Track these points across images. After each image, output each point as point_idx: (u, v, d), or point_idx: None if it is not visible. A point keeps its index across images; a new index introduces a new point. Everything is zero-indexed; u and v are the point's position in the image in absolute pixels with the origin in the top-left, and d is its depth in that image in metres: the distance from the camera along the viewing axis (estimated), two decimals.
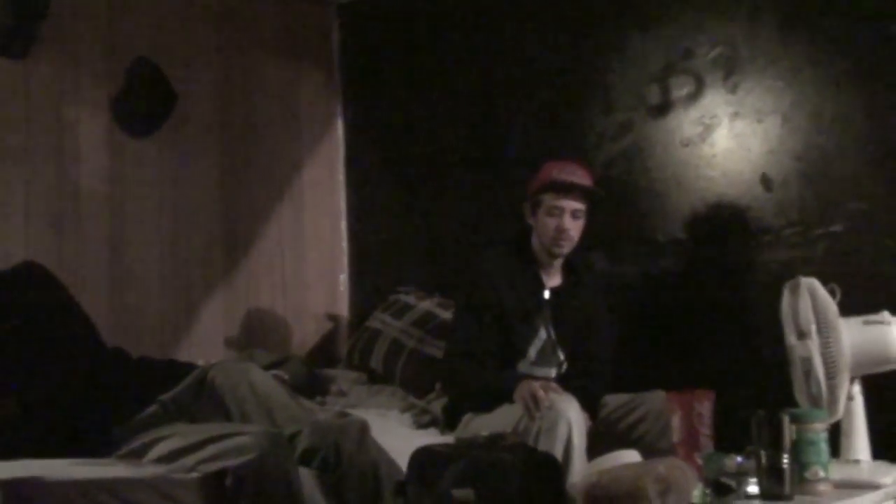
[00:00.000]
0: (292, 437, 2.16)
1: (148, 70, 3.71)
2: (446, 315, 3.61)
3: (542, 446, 2.33)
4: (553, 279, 2.91)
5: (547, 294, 2.88)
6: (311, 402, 3.26)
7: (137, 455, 2.17)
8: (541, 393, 2.50)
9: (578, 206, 2.80)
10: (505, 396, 2.64)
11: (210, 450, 2.04)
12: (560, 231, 2.79)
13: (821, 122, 2.84)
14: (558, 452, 2.35)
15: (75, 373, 2.23)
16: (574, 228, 2.81)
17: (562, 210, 2.79)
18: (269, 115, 4.17)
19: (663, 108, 3.23)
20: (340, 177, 4.45)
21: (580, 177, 2.81)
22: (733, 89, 3.05)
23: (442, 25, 4.07)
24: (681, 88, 3.18)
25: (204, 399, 2.30)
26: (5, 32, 3.34)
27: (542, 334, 2.85)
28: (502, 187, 3.76)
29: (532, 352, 2.84)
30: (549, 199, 2.80)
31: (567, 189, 2.79)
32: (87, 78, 3.58)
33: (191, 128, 3.87)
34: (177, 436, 2.15)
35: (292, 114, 4.28)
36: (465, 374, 2.81)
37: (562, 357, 2.85)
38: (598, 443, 2.64)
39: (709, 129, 3.11)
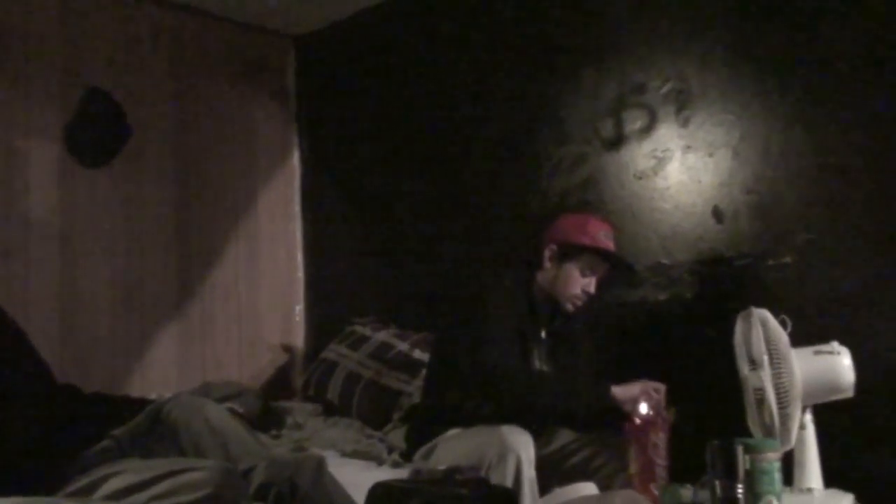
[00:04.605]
0: (247, 472, 2.13)
1: (102, 100, 3.68)
2: (403, 346, 3.60)
3: (493, 480, 2.33)
4: (546, 320, 2.90)
5: (543, 334, 2.89)
6: (267, 436, 3.23)
7: (88, 492, 2.12)
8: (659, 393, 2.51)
9: (605, 272, 2.85)
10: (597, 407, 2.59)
11: (163, 486, 2.00)
12: (586, 294, 2.81)
13: (769, 155, 2.89)
14: (508, 486, 2.35)
15: (24, 409, 2.18)
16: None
17: (596, 274, 2.81)
18: (224, 145, 4.17)
19: (617, 141, 3.27)
20: (296, 207, 4.45)
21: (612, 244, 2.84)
22: (685, 123, 3.09)
23: (398, 55, 4.10)
24: (634, 122, 3.23)
25: (158, 434, 2.26)
26: None
27: (535, 366, 2.86)
28: (458, 218, 3.78)
29: None
30: (589, 259, 2.79)
31: (608, 257, 2.82)
32: (40, 106, 3.56)
33: (145, 158, 3.85)
34: (129, 472, 2.10)
35: (248, 144, 4.28)
36: (536, 382, 2.70)
37: None
38: (552, 475, 2.65)
39: (661, 162, 3.15)
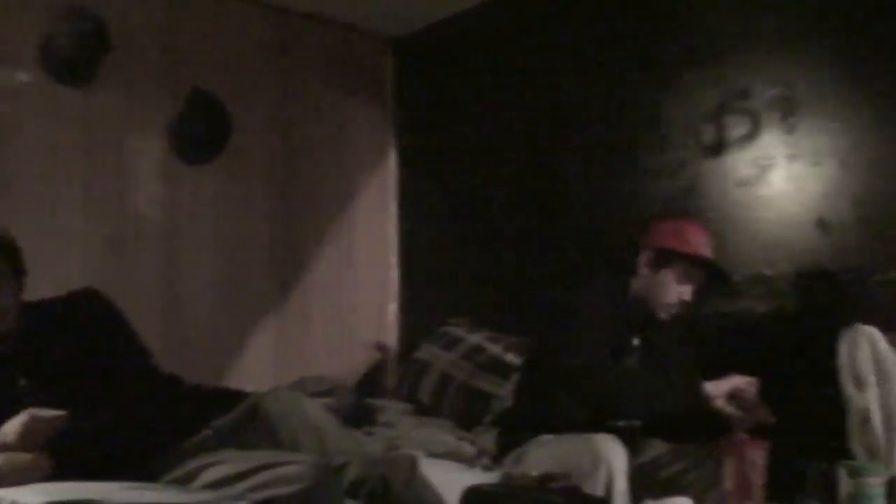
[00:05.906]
0: (340, 467, 2.16)
1: (205, 100, 3.79)
2: (496, 349, 3.60)
3: (583, 488, 2.30)
4: (639, 327, 2.86)
5: (636, 342, 2.84)
6: (360, 433, 3.26)
7: (186, 480, 2.18)
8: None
9: (701, 281, 2.78)
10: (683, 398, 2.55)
11: (259, 478, 2.04)
12: (681, 302, 2.76)
13: (880, 166, 2.79)
14: (599, 495, 2.32)
15: (130, 398, 2.26)
16: None
17: (692, 282, 2.75)
18: (322, 145, 4.24)
19: (718, 148, 3.21)
20: (392, 207, 4.49)
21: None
22: (790, 131, 3.01)
23: (496, 59, 4.10)
24: (736, 128, 3.16)
25: (255, 427, 2.31)
26: (69, 63, 3.45)
27: None
28: (555, 222, 3.76)
29: None
30: (686, 267, 2.73)
31: (705, 265, 2.75)
32: (146, 107, 3.69)
33: (246, 157, 3.95)
34: (226, 462, 2.16)
35: (346, 144, 4.35)
36: (626, 378, 2.68)
37: None
38: (643, 486, 2.61)
39: (765, 170, 3.08)
